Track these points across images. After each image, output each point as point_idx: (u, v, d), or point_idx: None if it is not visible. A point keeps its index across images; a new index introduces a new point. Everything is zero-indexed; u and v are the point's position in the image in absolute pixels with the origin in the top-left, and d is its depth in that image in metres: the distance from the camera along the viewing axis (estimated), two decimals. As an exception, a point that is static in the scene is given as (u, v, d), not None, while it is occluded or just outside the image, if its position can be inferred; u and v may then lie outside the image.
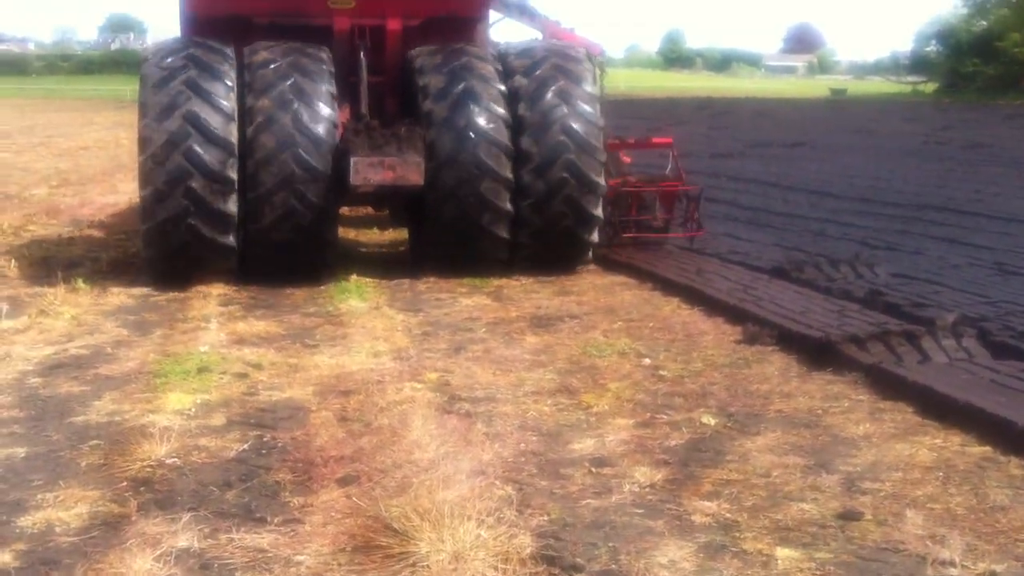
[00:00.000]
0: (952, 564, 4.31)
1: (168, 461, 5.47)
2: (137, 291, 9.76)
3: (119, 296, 9.57)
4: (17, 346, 7.83)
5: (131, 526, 4.68)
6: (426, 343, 7.98)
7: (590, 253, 10.80)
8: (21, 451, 5.67)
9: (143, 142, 9.62)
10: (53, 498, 5.01)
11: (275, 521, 4.76)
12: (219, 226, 9.60)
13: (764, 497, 5.02)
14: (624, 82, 74.91)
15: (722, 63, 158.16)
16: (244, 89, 9.92)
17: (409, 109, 10.59)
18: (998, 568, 4.29)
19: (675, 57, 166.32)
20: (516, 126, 10.17)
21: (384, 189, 10.07)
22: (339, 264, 10.41)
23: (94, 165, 23.57)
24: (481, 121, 10.02)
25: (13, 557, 4.41)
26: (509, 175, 10.06)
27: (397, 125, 10.12)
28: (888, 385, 6.62)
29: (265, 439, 5.85)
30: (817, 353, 7.33)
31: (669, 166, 12.32)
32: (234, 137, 9.63)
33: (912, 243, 12.01)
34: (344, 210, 11.64)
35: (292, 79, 9.86)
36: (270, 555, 4.43)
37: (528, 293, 9.82)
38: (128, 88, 54.36)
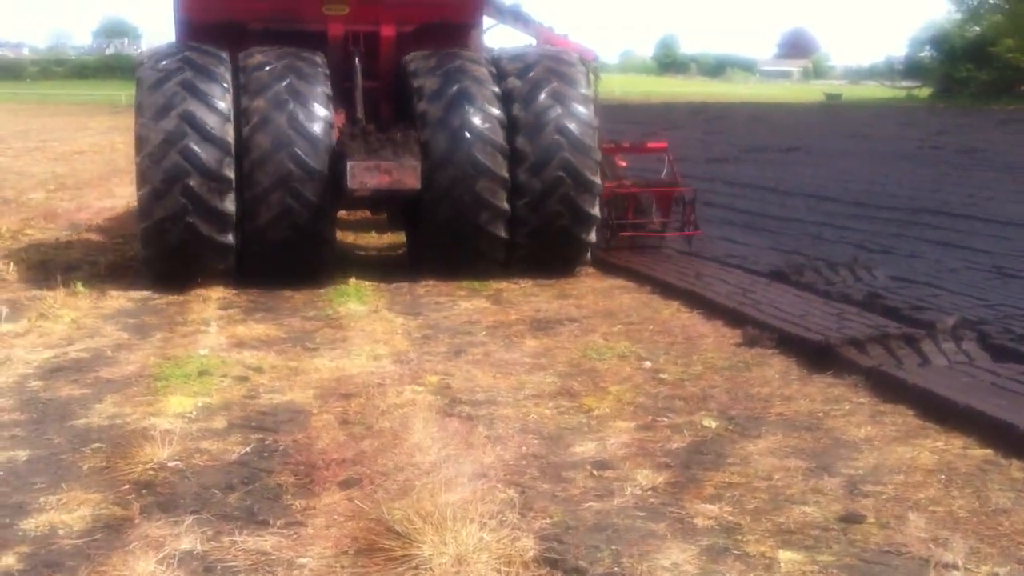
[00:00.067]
0: (955, 567, 4.31)
1: (170, 464, 5.47)
2: (136, 294, 9.76)
3: (118, 299, 9.56)
4: (17, 349, 7.82)
5: (134, 529, 4.68)
6: (426, 346, 7.98)
7: (588, 254, 10.81)
8: (23, 454, 5.66)
9: (140, 141, 9.64)
10: (56, 501, 5.00)
11: (277, 524, 4.76)
12: (217, 225, 9.60)
13: (766, 500, 5.02)
14: (619, 87, 75.04)
15: (717, 68, 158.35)
16: (239, 91, 9.95)
17: (404, 114, 10.62)
18: (1001, 571, 4.30)
19: (670, 62, 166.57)
20: (511, 127, 10.22)
21: (381, 193, 10.08)
22: (338, 267, 10.41)
23: (90, 169, 23.54)
24: (476, 121, 10.05)
25: (16, 560, 4.40)
26: (505, 174, 10.09)
27: (393, 130, 10.17)
28: (888, 388, 6.64)
29: (267, 442, 5.85)
30: (817, 356, 7.35)
31: (665, 170, 12.35)
32: (230, 137, 9.66)
33: (909, 247, 12.04)
34: (342, 214, 11.65)
35: (287, 80, 9.91)
36: (273, 558, 4.43)
37: (527, 296, 9.82)
38: (123, 93, 54.47)
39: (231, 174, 9.60)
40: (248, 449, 5.74)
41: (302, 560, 4.41)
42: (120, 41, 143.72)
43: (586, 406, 6.48)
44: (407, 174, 9.82)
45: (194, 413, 6.34)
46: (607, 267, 11.03)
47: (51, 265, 11.12)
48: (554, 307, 9.36)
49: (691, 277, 10.16)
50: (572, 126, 10.25)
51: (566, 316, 8.98)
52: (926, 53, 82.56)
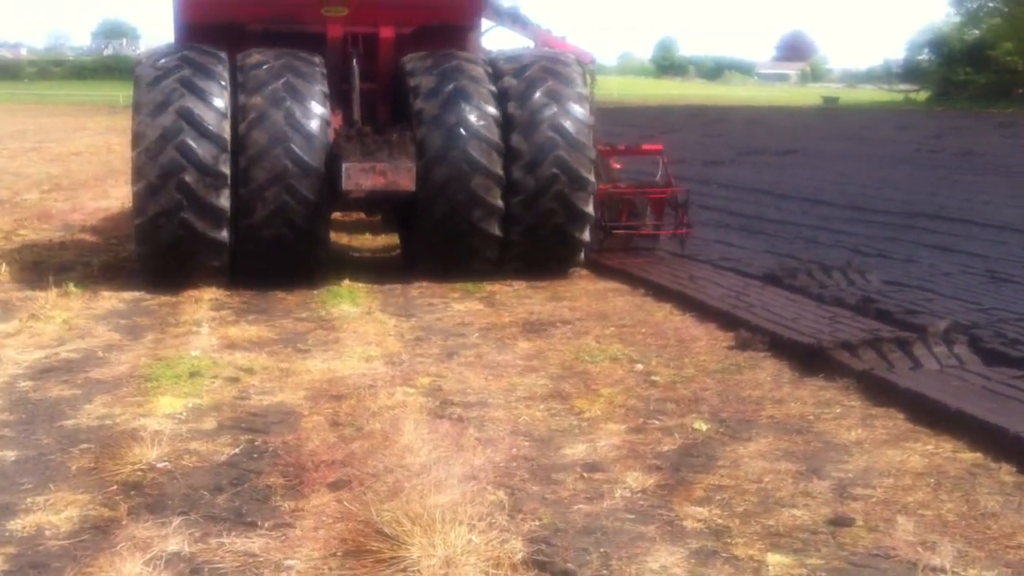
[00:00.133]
0: (943, 570, 4.31)
1: (159, 465, 5.45)
2: (128, 295, 9.74)
3: (110, 300, 9.55)
4: (8, 350, 7.80)
5: (121, 530, 4.66)
6: (418, 348, 7.97)
7: (582, 254, 10.80)
8: (11, 454, 5.65)
9: (136, 137, 9.66)
10: (43, 501, 4.99)
11: (266, 525, 4.74)
12: (211, 221, 9.61)
13: (756, 503, 5.02)
14: (617, 90, 75.11)
15: (715, 71, 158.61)
16: (237, 89, 9.97)
17: (401, 116, 10.63)
18: (989, 575, 4.30)
19: (668, 65, 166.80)
20: (506, 124, 10.23)
21: (376, 194, 10.09)
22: (331, 269, 10.40)
23: (86, 170, 23.52)
24: (472, 118, 10.07)
25: (3, 560, 4.39)
26: (499, 171, 10.11)
27: (389, 131, 10.18)
28: (880, 391, 6.63)
29: (256, 443, 5.83)
30: (809, 359, 7.34)
31: (659, 173, 12.36)
32: (227, 134, 9.68)
33: (904, 250, 12.04)
34: (336, 215, 11.65)
35: (285, 78, 9.94)
36: (261, 559, 4.42)
37: (520, 298, 9.82)
38: (121, 94, 54.45)
39: (227, 170, 9.61)
40: (238, 450, 5.72)
41: (290, 562, 4.40)
42: (118, 42, 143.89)
43: (577, 408, 6.48)
44: (402, 176, 9.84)
45: (184, 414, 6.33)
46: (600, 269, 11.02)
47: (44, 266, 11.11)
48: (547, 309, 9.35)
49: (684, 280, 10.15)
50: (567, 124, 10.27)
51: (559, 318, 8.97)
52: (924, 56, 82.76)
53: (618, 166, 12.77)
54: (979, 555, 4.45)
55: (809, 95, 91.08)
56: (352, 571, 4.32)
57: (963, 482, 5.25)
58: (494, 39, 41.71)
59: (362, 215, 12.98)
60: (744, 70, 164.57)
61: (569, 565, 4.35)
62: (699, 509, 4.94)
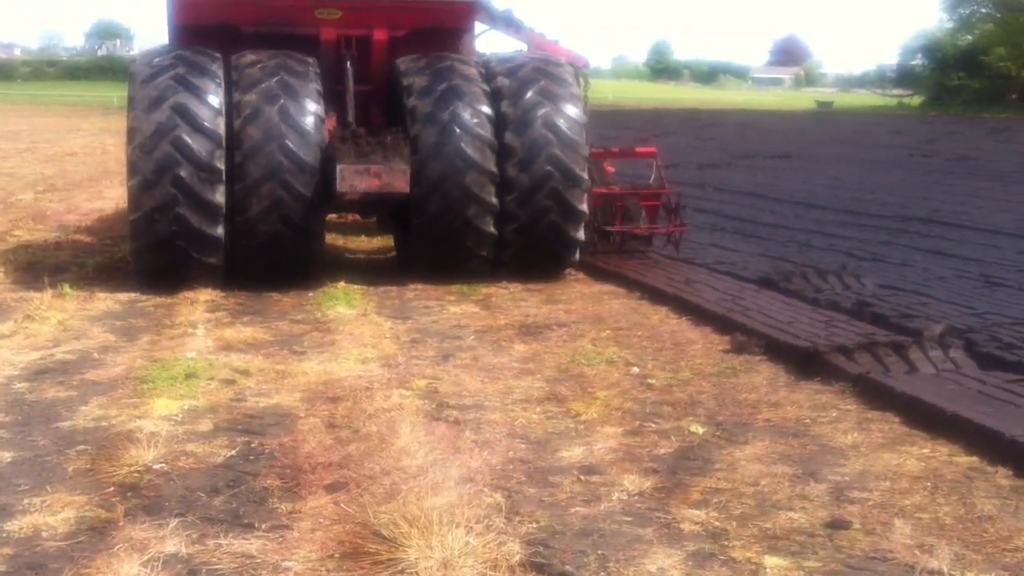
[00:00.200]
0: (940, 573, 4.32)
1: (155, 467, 5.45)
2: (124, 296, 9.73)
3: (106, 301, 9.53)
4: (3, 351, 7.78)
5: (118, 531, 4.66)
6: (414, 350, 7.97)
7: (577, 254, 10.81)
8: (7, 456, 5.63)
9: (131, 133, 9.67)
10: (40, 503, 4.98)
11: (263, 527, 4.74)
12: (206, 216, 9.60)
13: (752, 506, 5.02)
14: (611, 93, 75.16)
15: (709, 75, 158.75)
16: (231, 87, 10.00)
17: (395, 119, 10.65)
18: (986, 577, 4.31)
19: (662, 69, 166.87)
20: (499, 123, 10.27)
21: (370, 196, 10.13)
22: (327, 271, 10.40)
23: (80, 171, 23.47)
24: (465, 115, 10.11)
25: (0, 562, 4.38)
26: (493, 168, 10.13)
27: (383, 134, 10.21)
28: (876, 395, 6.64)
29: (253, 445, 5.83)
30: (805, 363, 7.35)
31: (653, 175, 12.38)
32: (222, 130, 9.70)
33: (898, 255, 12.06)
34: (331, 217, 11.66)
35: (279, 76, 9.99)
36: (258, 561, 4.41)
37: (516, 301, 9.82)
38: (114, 95, 54.25)
39: (221, 166, 9.62)
40: (234, 452, 5.72)
41: (287, 564, 4.40)
42: (112, 43, 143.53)
43: (574, 411, 6.48)
44: (396, 178, 9.86)
45: (180, 416, 6.32)
46: (596, 272, 11.03)
47: (39, 266, 11.08)
48: (543, 312, 9.35)
49: (680, 283, 10.16)
50: (560, 122, 10.32)
51: (555, 321, 8.97)
52: (918, 61, 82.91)
53: (612, 170, 12.79)
54: (976, 558, 4.47)
55: (803, 99, 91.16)
56: (349, 573, 4.32)
57: (960, 485, 5.27)
58: (487, 43, 41.71)
59: (357, 217, 12.98)
60: (738, 74, 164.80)
61: (567, 567, 4.35)
62: (696, 512, 4.94)
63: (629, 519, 4.87)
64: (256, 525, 4.76)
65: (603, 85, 70.52)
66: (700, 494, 5.16)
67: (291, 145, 9.68)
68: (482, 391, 6.90)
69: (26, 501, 5.00)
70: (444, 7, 11.19)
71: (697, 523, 4.82)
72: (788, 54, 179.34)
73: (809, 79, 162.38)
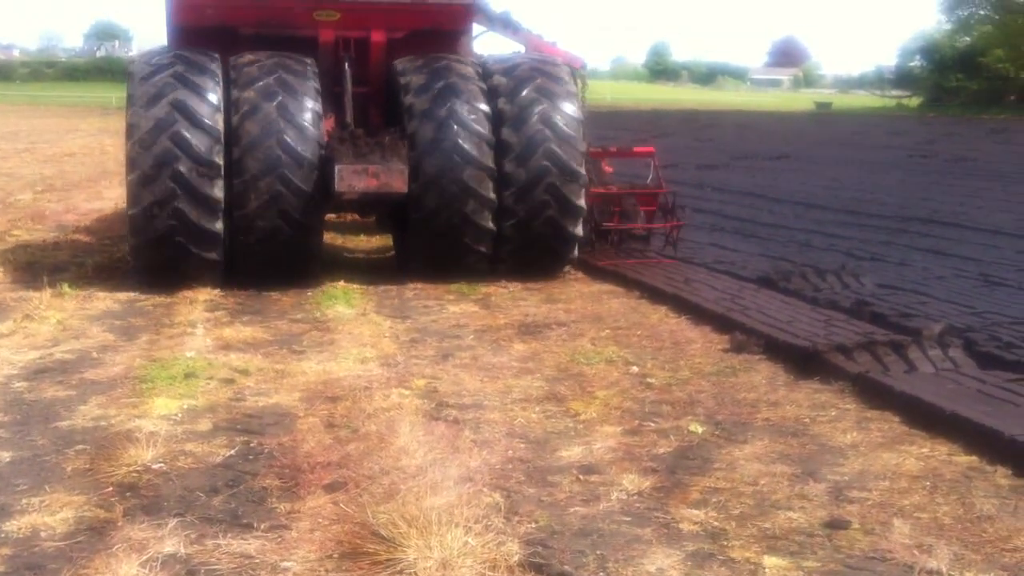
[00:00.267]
0: (939, 574, 4.32)
1: (154, 466, 5.44)
2: (123, 296, 9.72)
3: (105, 301, 9.53)
4: (2, 350, 7.78)
5: (117, 531, 4.65)
6: (413, 350, 7.97)
7: (576, 250, 10.81)
8: (6, 455, 5.63)
9: (130, 128, 9.70)
10: (38, 503, 4.98)
11: (262, 527, 4.74)
12: (205, 211, 9.61)
13: (752, 505, 5.02)
14: (609, 94, 75.20)
15: (708, 76, 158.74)
16: (230, 86, 10.04)
17: (393, 120, 10.68)
18: (985, 577, 4.31)
19: (661, 70, 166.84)
20: (496, 119, 10.32)
21: (368, 196, 10.16)
22: (326, 270, 10.40)
23: (79, 171, 23.47)
24: (462, 112, 10.16)
25: (-2, 562, 4.38)
26: (491, 164, 10.17)
27: (381, 134, 10.26)
28: (875, 394, 6.64)
29: (252, 445, 5.82)
30: (804, 362, 7.35)
31: (651, 175, 12.40)
32: (220, 126, 9.74)
33: (897, 254, 12.06)
34: (330, 217, 11.66)
35: (277, 74, 10.05)
36: (257, 561, 4.41)
37: (515, 300, 9.82)
38: (113, 96, 54.27)
39: (220, 161, 9.65)
40: (233, 452, 5.71)
41: (286, 564, 4.39)
42: (111, 44, 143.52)
43: (573, 410, 6.47)
44: (394, 177, 9.89)
45: (179, 415, 6.32)
46: (595, 272, 11.03)
47: (38, 266, 11.08)
48: (542, 311, 9.35)
49: (679, 282, 10.16)
50: (557, 118, 10.37)
51: (554, 320, 8.97)
52: (916, 63, 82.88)
53: (610, 170, 12.80)
54: (975, 558, 4.46)
55: (802, 100, 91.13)
56: (348, 573, 4.32)
57: (959, 485, 5.26)
58: (485, 44, 41.76)
59: (356, 216, 12.99)
60: (737, 75, 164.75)
61: (566, 567, 4.35)
62: (695, 511, 4.94)
63: (628, 519, 4.86)
64: (255, 525, 4.75)
65: (602, 86, 70.61)
66: (699, 494, 5.16)
67: (289, 140, 9.70)
68: (481, 390, 6.89)
69: (25, 501, 5.00)
70: (442, 9, 11.20)
71: (696, 523, 4.82)
72: (787, 55, 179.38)
73: (808, 80, 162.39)
